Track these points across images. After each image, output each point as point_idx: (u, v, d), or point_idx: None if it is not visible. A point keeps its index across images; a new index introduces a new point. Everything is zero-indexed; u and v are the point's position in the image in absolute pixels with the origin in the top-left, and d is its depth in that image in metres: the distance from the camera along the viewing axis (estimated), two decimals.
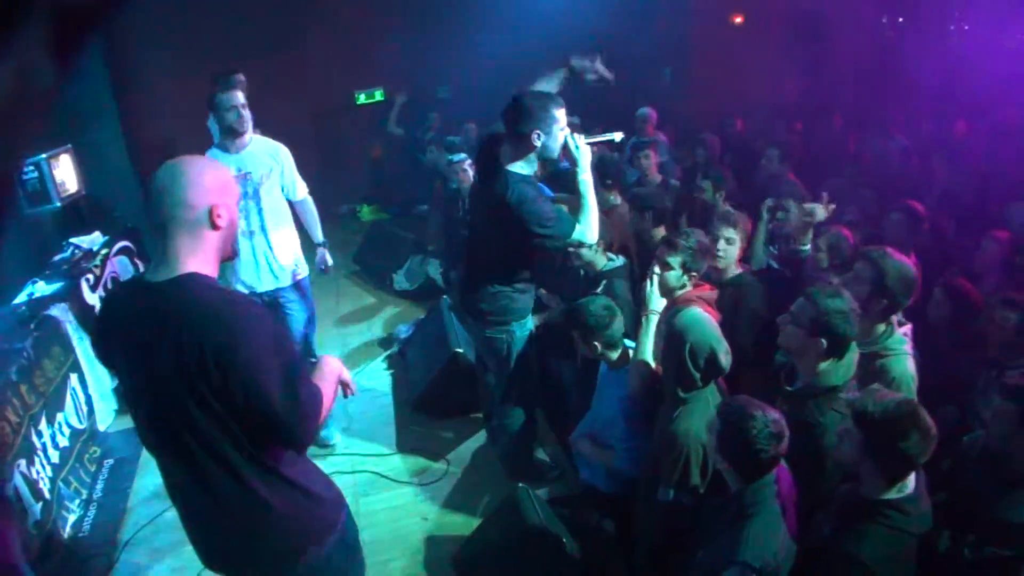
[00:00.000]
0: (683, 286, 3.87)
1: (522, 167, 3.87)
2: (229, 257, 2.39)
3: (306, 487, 2.43)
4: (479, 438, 5.20)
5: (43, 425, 4.74)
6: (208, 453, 2.26)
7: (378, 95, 10.24)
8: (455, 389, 5.33)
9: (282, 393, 2.14)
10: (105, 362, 2.49)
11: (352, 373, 2.84)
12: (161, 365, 2.15)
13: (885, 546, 2.60)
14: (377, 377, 6.23)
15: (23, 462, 4.33)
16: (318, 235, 5.22)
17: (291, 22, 9.59)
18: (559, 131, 3.80)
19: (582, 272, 5.02)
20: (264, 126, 5.25)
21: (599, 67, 4.12)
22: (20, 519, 4.13)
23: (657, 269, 3.88)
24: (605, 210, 5.27)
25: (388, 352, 6.61)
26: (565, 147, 3.86)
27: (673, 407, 3.39)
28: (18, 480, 4.21)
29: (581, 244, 4.15)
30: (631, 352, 3.86)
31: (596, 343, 3.87)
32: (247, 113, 4.67)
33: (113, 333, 2.34)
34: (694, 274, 3.88)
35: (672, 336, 3.36)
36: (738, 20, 11.29)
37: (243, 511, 2.36)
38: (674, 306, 3.69)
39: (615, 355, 3.90)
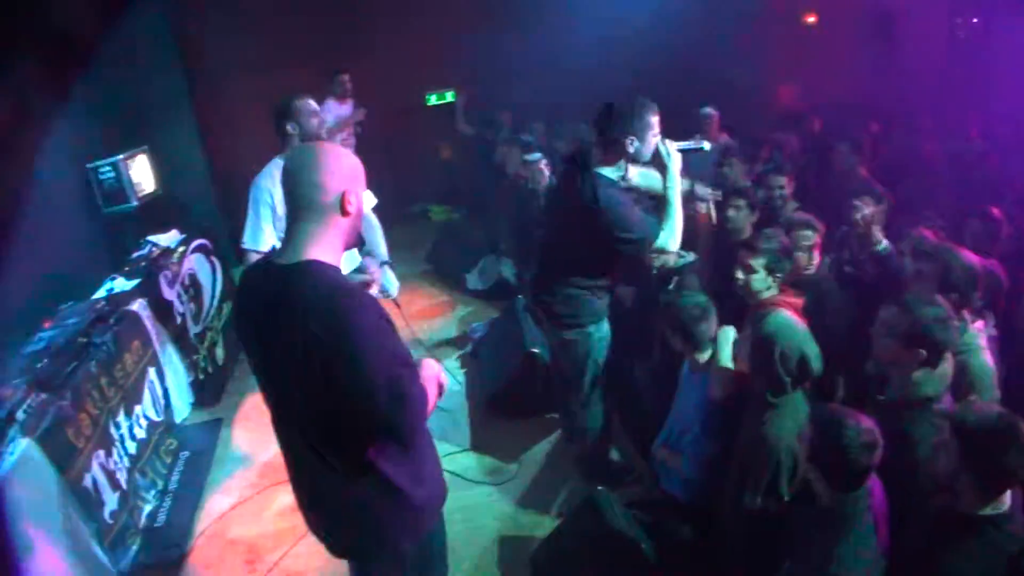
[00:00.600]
0: (769, 288, 3.66)
1: (610, 171, 3.85)
2: (351, 245, 2.41)
3: (400, 488, 2.42)
4: (551, 439, 5.12)
5: (121, 417, 4.80)
6: (307, 435, 2.35)
7: (449, 96, 10.21)
8: (529, 389, 5.26)
9: (387, 390, 2.13)
10: (239, 338, 2.55)
11: None
12: (274, 347, 2.24)
13: (979, 563, 2.48)
14: (450, 375, 6.06)
15: (101, 453, 4.39)
16: (382, 252, 4.81)
17: (363, 23, 9.66)
18: (652, 137, 3.78)
19: (654, 270, 4.96)
20: None
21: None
22: (96, 509, 4.20)
23: (740, 275, 3.71)
24: None
25: (461, 351, 6.57)
26: (655, 153, 3.83)
27: (762, 411, 3.31)
28: (96, 471, 4.26)
29: (664, 251, 4.07)
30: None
31: (685, 341, 3.80)
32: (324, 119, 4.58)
33: (242, 311, 2.47)
34: (779, 276, 3.68)
35: (761, 340, 3.27)
36: (811, 19, 11.06)
37: (332, 498, 2.46)
38: (760, 310, 3.60)
39: (703, 356, 3.81)
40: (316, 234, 2.24)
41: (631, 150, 3.76)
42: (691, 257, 4.91)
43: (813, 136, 8.10)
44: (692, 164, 6.02)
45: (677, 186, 3.89)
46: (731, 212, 4.99)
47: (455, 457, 5.05)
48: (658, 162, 3.87)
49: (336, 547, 2.63)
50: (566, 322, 4.13)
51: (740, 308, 3.84)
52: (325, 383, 2.14)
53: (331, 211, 2.25)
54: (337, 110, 8.47)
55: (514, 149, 7.70)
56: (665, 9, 9.25)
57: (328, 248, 2.27)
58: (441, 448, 5.03)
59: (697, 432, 3.77)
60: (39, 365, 4.34)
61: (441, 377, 2.57)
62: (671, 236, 3.91)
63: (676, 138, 3.97)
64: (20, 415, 3.93)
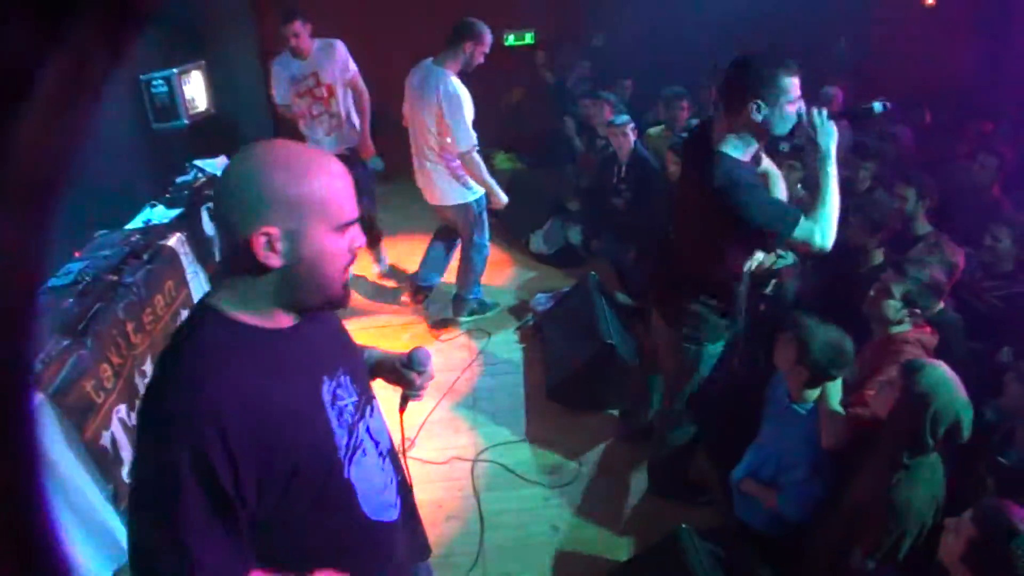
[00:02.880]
0: (900, 321, 3.39)
1: (735, 147, 3.10)
2: (305, 306, 1.68)
3: None
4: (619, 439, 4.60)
5: (147, 366, 4.36)
6: None
7: (528, 38, 9.56)
8: (600, 383, 4.73)
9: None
10: None
11: (482, 343, 2.29)
12: None
13: None
14: (507, 350, 5.60)
15: (123, 407, 3.97)
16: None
17: None
18: (787, 103, 3.00)
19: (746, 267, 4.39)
20: (407, 59, 5.51)
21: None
22: (114, 468, 3.81)
23: (872, 294, 3.40)
24: None
25: (521, 323, 5.97)
26: (799, 125, 3.07)
27: (892, 470, 2.83)
28: (115, 427, 3.87)
29: (807, 246, 3.20)
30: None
31: (812, 378, 3.24)
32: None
33: None
34: (917, 311, 3.37)
35: (913, 395, 2.74)
36: (929, 1, 10.15)
37: None
38: (899, 348, 3.18)
39: (814, 394, 3.28)
40: (232, 275, 1.62)
41: (756, 118, 2.99)
42: (791, 259, 4.34)
43: (924, 129, 7.31)
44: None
45: (832, 167, 3.12)
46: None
47: (509, 448, 4.54)
48: (807, 137, 3.15)
49: None
50: (683, 331, 3.55)
51: (852, 327, 3.35)
52: None
53: (240, 257, 1.55)
54: (291, 69, 6.10)
55: (603, 107, 7.07)
56: None
57: (243, 297, 1.61)
58: (494, 435, 4.65)
59: (806, 473, 3.28)
60: (61, 305, 3.90)
61: None
62: (824, 230, 3.10)
63: None
64: (36, 364, 3.50)
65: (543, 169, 8.92)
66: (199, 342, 1.56)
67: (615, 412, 4.76)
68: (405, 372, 2.05)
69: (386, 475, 1.94)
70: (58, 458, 3.41)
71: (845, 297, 3.91)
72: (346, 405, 1.77)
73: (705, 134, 3.23)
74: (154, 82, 6.27)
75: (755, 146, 3.16)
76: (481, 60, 5.20)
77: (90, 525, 3.57)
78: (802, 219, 3.06)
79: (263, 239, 1.49)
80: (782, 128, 3.07)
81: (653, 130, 7.14)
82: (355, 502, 1.79)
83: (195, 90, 6.70)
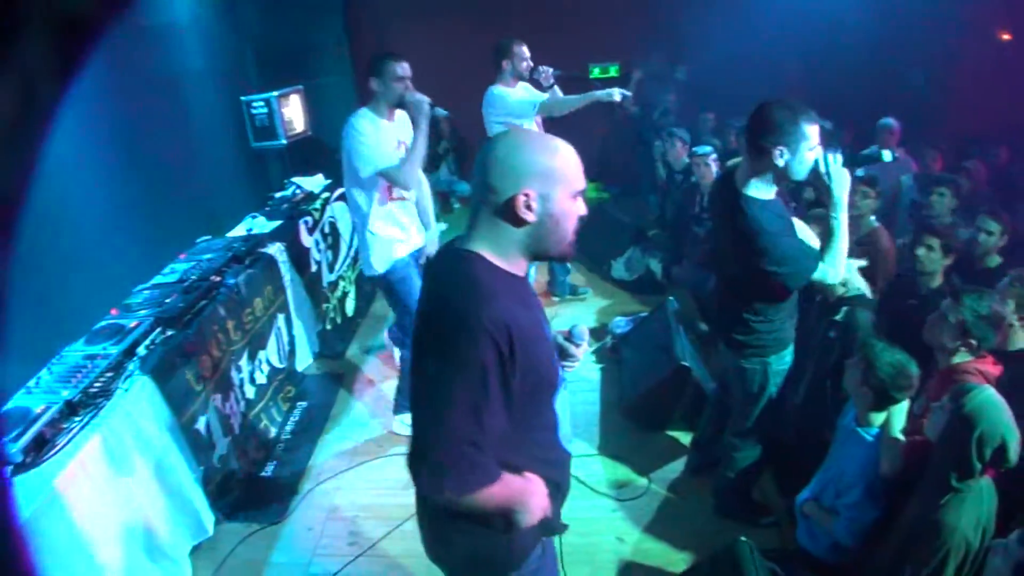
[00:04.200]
0: (956, 351, 3.35)
1: (758, 188, 3.28)
2: (545, 256, 2.07)
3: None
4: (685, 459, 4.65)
5: (244, 361, 4.66)
6: None
7: (612, 70, 9.65)
8: (673, 403, 4.81)
9: (437, 414, 1.86)
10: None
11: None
12: (421, 323, 2.10)
13: None
14: (585, 369, 5.71)
15: (219, 397, 4.27)
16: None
17: None
18: (808, 151, 3.15)
19: (817, 297, 4.42)
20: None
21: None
22: (206, 452, 4.09)
23: (929, 320, 3.41)
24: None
25: (600, 344, 6.08)
26: (815, 171, 3.21)
27: (940, 493, 2.83)
28: (211, 414, 4.16)
29: (823, 284, 3.53)
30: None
31: (877, 401, 3.26)
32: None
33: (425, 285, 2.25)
34: (973, 342, 3.31)
35: (959, 417, 2.78)
36: (1007, 37, 10.01)
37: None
38: (956, 376, 3.17)
39: (879, 419, 3.29)
40: (488, 230, 1.98)
41: (779, 163, 3.15)
42: (865, 289, 4.36)
43: (999, 169, 7.05)
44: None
45: (843, 212, 3.27)
46: (921, 251, 4.44)
47: (582, 461, 4.62)
48: (819, 183, 3.27)
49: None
50: (744, 351, 3.65)
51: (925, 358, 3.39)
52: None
53: (501, 214, 1.93)
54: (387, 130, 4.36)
55: (676, 143, 7.23)
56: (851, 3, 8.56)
57: (500, 248, 1.98)
58: (569, 448, 4.73)
59: (859, 496, 3.29)
60: (168, 300, 4.19)
61: (533, 502, 2.05)
62: (833, 269, 3.34)
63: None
64: (141, 350, 3.80)
65: (627, 199, 9.05)
66: (480, 276, 1.92)
67: (686, 434, 4.82)
68: (566, 345, 2.37)
69: (566, 414, 2.28)
70: (154, 437, 3.68)
71: (917, 327, 3.93)
72: (555, 347, 2.17)
73: (731, 177, 3.42)
74: (254, 104, 6.71)
75: (775, 186, 3.32)
76: (526, 64, 5.73)
77: (176, 502, 3.82)
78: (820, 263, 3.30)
79: (523, 199, 1.87)
80: (801, 173, 3.21)
81: (731, 162, 7.19)
82: (555, 425, 2.17)
83: (293, 112, 7.08)
